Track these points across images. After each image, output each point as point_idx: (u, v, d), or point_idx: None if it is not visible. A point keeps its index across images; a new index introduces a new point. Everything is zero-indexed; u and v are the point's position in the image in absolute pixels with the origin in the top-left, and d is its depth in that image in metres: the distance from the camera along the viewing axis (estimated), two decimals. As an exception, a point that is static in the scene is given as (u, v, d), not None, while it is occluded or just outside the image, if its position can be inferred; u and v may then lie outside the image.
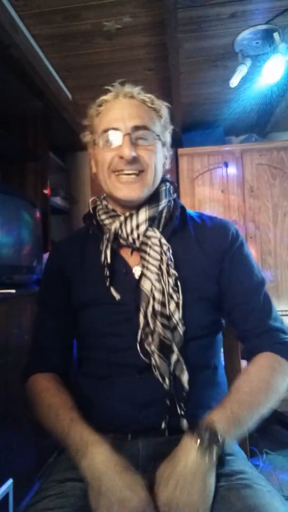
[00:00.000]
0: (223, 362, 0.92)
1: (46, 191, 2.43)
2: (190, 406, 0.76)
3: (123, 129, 0.79)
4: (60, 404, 0.77)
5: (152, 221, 0.83)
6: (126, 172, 0.79)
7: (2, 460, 1.40)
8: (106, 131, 0.80)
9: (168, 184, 0.88)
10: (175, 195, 0.90)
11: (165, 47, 1.83)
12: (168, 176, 0.91)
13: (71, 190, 3.17)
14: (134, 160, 0.78)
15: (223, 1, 1.58)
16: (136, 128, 0.79)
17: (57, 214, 3.01)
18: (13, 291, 1.54)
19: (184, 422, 0.74)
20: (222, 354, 0.94)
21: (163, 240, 0.80)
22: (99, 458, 0.66)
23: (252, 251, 2.74)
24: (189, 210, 0.92)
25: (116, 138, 0.79)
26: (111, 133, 0.80)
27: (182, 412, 0.74)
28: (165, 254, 0.79)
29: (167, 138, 0.88)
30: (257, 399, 0.73)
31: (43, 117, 2.43)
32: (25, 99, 2.23)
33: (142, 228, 0.80)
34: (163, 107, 0.86)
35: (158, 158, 0.83)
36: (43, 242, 2.14)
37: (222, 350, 0.93)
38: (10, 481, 1.38)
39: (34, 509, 0.66)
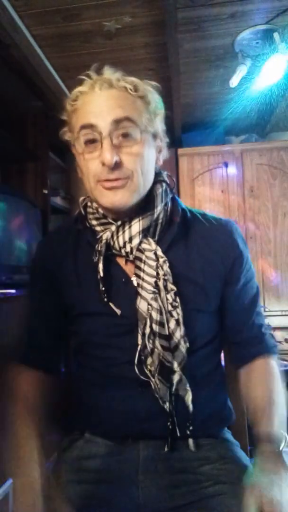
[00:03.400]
0: (223, 365, 0.91)
1: (46, 191, 2.43)
2: (191, 411, 0.73)
3: (102, 126, 0.68)
4: (23, 433, 0.73)
5: (147, 231, 0.75)
6: (110, 180, 0.70)
7: (2, 460, 1.40)
8: (82, 128, 0.70)
9: (164, 184, 0.79)
10: (172, 193, 0.81)
11: (165, 47, 1.83)
12: (164, 174, 0.82)
13: (71, 190, 3.17)
14: (118, 166, 0.68)
15: (223, 1, 1.58)
16: (117, 122, 0.68)
17: (57, 214, 3.01)
18: (13, 291, 1.54)
19: (191, 442, 0.73)
20: (222, 357, 0.93)
21: (159, 253, 0.73)
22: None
23: (252, 251, 2.75)
24: (192, 209, 0.85)
25: (95, 144, 0.70)
26: (88, 132, 0.70)
27: (188, 432, 0.72)
28: (162, 268, 0.72)
29: (159, 127, 0.76)
30: (278, 400, 0.75)
31: (43, 117, 2.43)
32: (25, 99, 2.23)
33: (135, 241, 0.73)
34: (151, 91, 0.74)
35: (146, 159, 0.73)
36: (43, 242, 2.14)
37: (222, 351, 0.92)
38: (10, 481, 1.37)
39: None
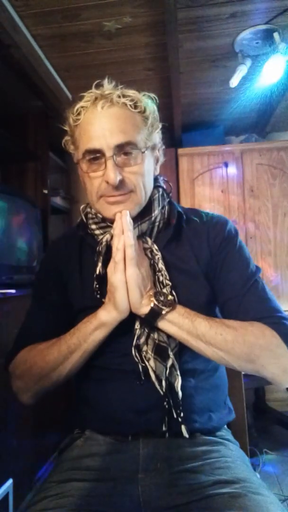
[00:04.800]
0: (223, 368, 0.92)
1: (46, 191, 2.43)
2: (189, 410, 0.75)
3: (105, 149, 0.74)
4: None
5: (144, 233, 0.81)
6: (114, 195, 0.77)
7: (2, 460, 1.40)
8: (87, 152, 0.76)
9: (160, 190, 0.85)
10: (169, 197, 0.87)
11: (165, 47, 1.83)
12: (161, 179, 0.88)
13: (71, 190, 3.17)
14: (121, 183, 0.75)
15: (223, 1, 1.58)
16: (120, 146, 0.74)
17: (57, 214, 3.01)
18: (13, 291, 1.54)
19: (183, 429, 0.73)
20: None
21: (154, 250, 0.79)
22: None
23: (252, 251, 2.74)
24: (186, 209, 0.90)
25: (99, 161, 0.76)
26: (93, 156, 0.76)
27: (179, 419, 0.73)
28: (157, 265, 0.78)
29: (156, 139, 0.83)
30: (215, 336, 0.72)
31: (43, 117, 2.43)
32: (25, 99, 2.23)
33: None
34: (148, 105, 0.79)
35: (147, 175, 0.80)
36: (43, 242, 2.15)
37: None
38: (10, 481, 1.38)
39: (33, 509, 0.66)
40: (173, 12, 1.54)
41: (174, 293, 0.77)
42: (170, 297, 0.75)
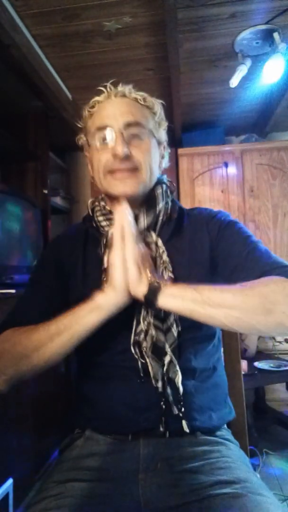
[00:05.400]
0: (223, 363, 0.92)
1: (46, 191, 2.43)
2: (189, 408, 0.75)
3: (115, 126, 0.79)
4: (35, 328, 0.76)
5: (149, 226, 0.82)
6: (120, 170, 0.79)
7: (2, 460, 1.40)
8: (98, 129, 0.81)
9: (164, 186, 0.87)
10: (172, 196, 0.89)
11: (165, 47, 1.83)
12: (164, 177, 0.90)
13: (71, 190, 3.17)
14: (128, 158, 0.78)
15: (223, 1, 1.58)
16: (128, 124, 0.79)
17: (57, 214, 3.01)
18: (13, 291, 1.54)
19: (184, 424, 0.73)
20: (222, 355, 0.94)
21: (159, 244, 0.80)
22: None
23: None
24: (188, 209, 0.91)
25: (109, 136, 0.80)
26: (103, 132, 0.80)
27: (180, 414, 0.73)
28: (161, 257, 0.79)
29: (162, 135, 0.88)
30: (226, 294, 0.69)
31: (43, 117, 2.44)
32: (25, 99, 2.23)
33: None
34: (157, 104, 0.86)
35: (153, 157, 0.83)
36: (43, 242, 2.15)
37: (222, 350, 0.93)
38: (10, 481, 1.38)
39: (33, 509, 0.66)
40: (173, 12, 1.54)
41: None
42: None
